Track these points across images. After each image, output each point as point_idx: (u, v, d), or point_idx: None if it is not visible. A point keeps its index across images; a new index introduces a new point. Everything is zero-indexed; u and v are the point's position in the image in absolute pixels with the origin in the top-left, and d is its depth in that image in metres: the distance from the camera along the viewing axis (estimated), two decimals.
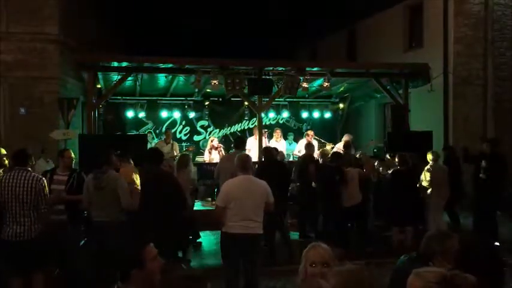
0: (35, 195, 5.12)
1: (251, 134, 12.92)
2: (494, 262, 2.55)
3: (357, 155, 9.61)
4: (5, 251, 5.12)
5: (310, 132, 12.15)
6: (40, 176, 5.36)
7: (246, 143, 10.33)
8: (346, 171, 8.19)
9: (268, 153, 8.28)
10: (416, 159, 8.65)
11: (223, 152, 11.35)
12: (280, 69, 10.80)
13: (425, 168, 8.40)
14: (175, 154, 11.03)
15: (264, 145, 10.46)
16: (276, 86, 10.98)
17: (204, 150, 12.56)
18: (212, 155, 11.43)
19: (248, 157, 5.71)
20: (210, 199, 10.89)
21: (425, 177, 8.34)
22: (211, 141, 11.77)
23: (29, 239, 5.09)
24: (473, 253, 2.63)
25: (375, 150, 12.24)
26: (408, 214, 8.04)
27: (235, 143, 8.76)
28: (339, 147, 11.05)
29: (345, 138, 11.17)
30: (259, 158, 10.40)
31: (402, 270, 3.14)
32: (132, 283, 2.59)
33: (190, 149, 12.21)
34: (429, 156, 8.43)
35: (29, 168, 5.42)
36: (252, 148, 11.32)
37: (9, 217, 5.10)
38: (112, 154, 6.09)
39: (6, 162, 6.55)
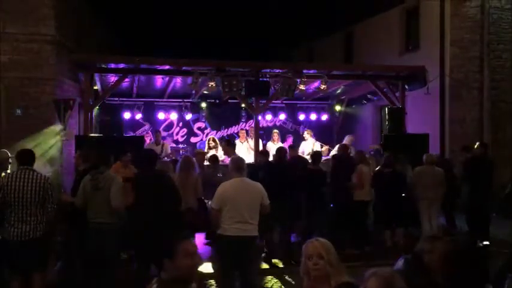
0: (43, 194, 5.10)
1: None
2: (474, 266, 2.55)
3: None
4: (8, 251, 5.08)
5: (308, 132, 12.26)
6: (47, 176, 5.34)
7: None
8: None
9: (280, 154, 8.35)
10: (406, 160, 8.71)
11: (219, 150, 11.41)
12: (277, 71, 10.81)
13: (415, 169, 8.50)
14: (165, 154, 11.04)
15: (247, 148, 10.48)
16: (273, 88, 10.98)
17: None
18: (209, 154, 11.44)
19: (242, 159, 5.71)
20: (207, 201, 10.86)
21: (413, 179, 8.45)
22: (212, 140, 11.80)
23: (34, 237, 5.06)
24: (456, 256, 2.64)
25: (372, 152, 12.26)
26: (394, 215, 8.13)
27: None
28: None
29: (346, 139, 11.35)
30: (256, 160, 10.42)
31: (400, 273, 3.17)
32: (166, 273, 2.60)
33: (183, 150, 12.23)
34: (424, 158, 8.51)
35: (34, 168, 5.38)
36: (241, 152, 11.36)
37: (14, 217, 5.05)
38: (110, 155, 6.08)
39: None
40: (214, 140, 11.65)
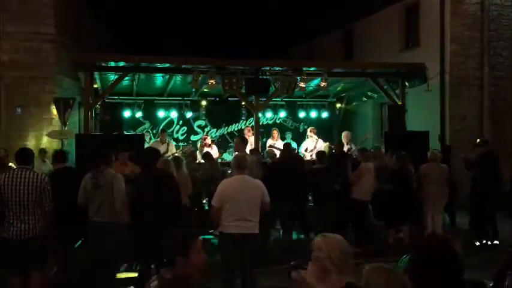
0: (40, 193, 5.10)
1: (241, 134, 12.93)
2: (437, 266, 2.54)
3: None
4: (7, 250, 5.09)
5: (311, 130, 12.28)
6: (44, 175, 5.34)
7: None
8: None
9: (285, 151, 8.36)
10: (408, 158, 8.71)
11: (215, 149, 11.41)
12: (277, 69, 10.80)
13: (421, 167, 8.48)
14: (171, 153, 11.04)
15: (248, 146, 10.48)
16: (273, 85, 10.98)
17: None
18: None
19: (244, 157, 5.71)
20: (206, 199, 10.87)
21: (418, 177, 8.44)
22: (205, 139, 11.82)
23: (33, 236, 5.06)
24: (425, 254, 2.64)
25: (372, 149, 12.24)
26: (401, 213, 8.12)
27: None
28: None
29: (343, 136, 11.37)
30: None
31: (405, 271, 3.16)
32: (176, 269, 2.65)
33: (186, 149, 12.22)
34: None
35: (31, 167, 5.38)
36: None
37: (12, 216, 5.05)
38: (111, 153, 6.08)
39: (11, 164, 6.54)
40: (207, 140, 11.77)
